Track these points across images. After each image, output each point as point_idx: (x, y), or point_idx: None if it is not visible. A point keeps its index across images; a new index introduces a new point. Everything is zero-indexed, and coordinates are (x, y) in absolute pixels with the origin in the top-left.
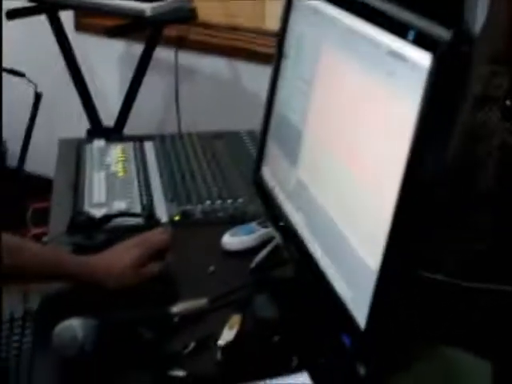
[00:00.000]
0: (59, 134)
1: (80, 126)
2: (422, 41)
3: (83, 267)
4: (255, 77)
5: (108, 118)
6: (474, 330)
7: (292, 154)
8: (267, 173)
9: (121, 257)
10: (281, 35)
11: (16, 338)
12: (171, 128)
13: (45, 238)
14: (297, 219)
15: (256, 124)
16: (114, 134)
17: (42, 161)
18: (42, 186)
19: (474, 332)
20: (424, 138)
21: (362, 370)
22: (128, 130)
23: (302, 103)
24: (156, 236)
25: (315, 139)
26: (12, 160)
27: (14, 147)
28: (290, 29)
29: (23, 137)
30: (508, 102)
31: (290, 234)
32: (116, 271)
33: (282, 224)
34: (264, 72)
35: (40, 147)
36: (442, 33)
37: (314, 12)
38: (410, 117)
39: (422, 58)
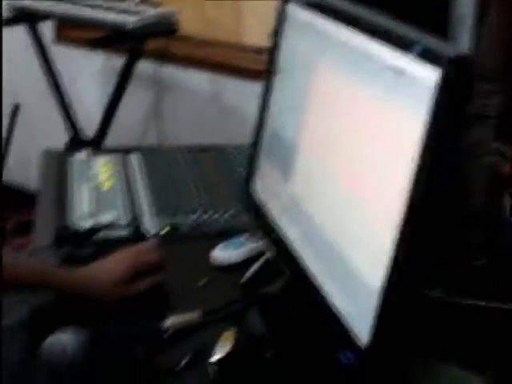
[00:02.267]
0: (38, 145)
1: (60, 137)
2: (427, 56)
3: (71, 278)
4: (237, 92)
5: (88, 129)
6: (469, 346)
7: (285, 168)
8: (258, 187)
9: (111, 269)
10: (273, 49)
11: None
12: (152, 141)
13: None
14: (290, 233)
15: (239, 139)
16: (94, 145)
17: (20, 172)
18: (19, 197)
19: (469, 348)
20: (430, 153)
21: None
22: (108, 142)
23: (295, 118)
24: (148, 250)
25: (310, 154)
26: None
27: None
28: (283, 43)
29: (2, 147)
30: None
31: (283, 248)
32: (105, 284)
33: (274, 238)
34: (245, 87)
35: (18, 158)
36: (446, 48)
37: (308, 26)
38: (412, 132)
39: (426, 73)
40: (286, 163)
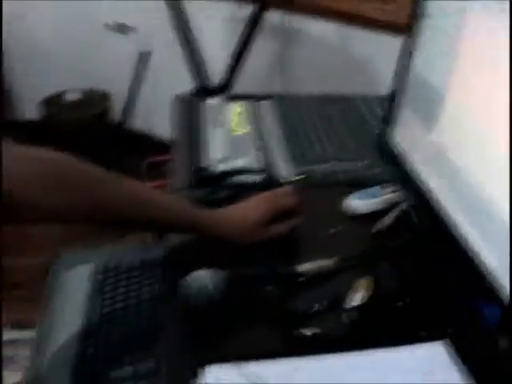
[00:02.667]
0: (165, 93)
1: (184, 84)
2: None
3: (210, 220)
4: (363, 43)
5: (214, 78)
6: None
7: (431, 117)
8: (397, 136)
9: (249, 212)
10: None
11: (134, 287)
12: (276, 90)
13: None
14: (433, 183)
15: (364, 90)
16: (221, 93)
17: (146, 118)
18: (144, 143)
19: None
20: None
21: (504, 344)
22: (234, 90)
23: (444, 65)
24: (285, 196)
25: (458, 101)
26: (116, 116)
27: (118, 103)
28: None
29: (127, 93)
30: None
31: (423, 198)
32: (243, 226)
33: (413, 188)
34: (371, 38)
35: (144, 105)
36: None
37: None
38: None
39: None
40: (431, 111)
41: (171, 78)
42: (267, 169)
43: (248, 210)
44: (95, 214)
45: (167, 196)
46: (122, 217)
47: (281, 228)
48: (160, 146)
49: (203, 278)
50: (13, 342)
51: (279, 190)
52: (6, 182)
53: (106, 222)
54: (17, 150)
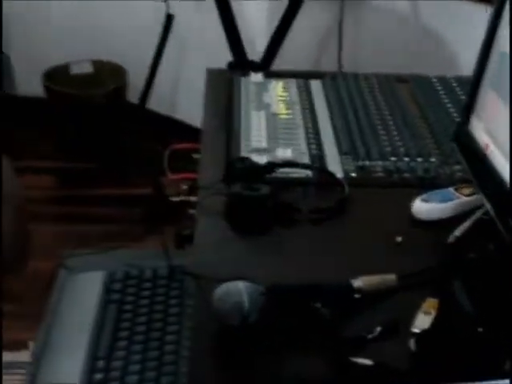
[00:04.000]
0: (191, 67)
1: (218, 59)
2: None
3: None
4: (431, 13)
5: (252, 52)
6: None
7: None
8: (478, 127)
9: None
10: None
11: (160, 298)
12: (329, 68)
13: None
14: None
15: (437, 69)
16: (260, 69)
17: (169, 97)
18: (167, 127)
19: None
20: None
21: None
22: (276, 66)
23: None
24: None
25: None
26: (133, 96)
27: (136, 81)
28: None
29: (148, 69)
30: None
31: (508, 202)
32: None
33: (495, 189)
34: (441, 6)
35: (167, 82)
36: None
37: None
38: None
39: None
40: None
41: (201, 50)
42: (317, 162)
43: None
44: None
45: None
46: None
47: None
48: (186, 132)
49: (237, 292)
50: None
51: None
52: None
53: None
54: None
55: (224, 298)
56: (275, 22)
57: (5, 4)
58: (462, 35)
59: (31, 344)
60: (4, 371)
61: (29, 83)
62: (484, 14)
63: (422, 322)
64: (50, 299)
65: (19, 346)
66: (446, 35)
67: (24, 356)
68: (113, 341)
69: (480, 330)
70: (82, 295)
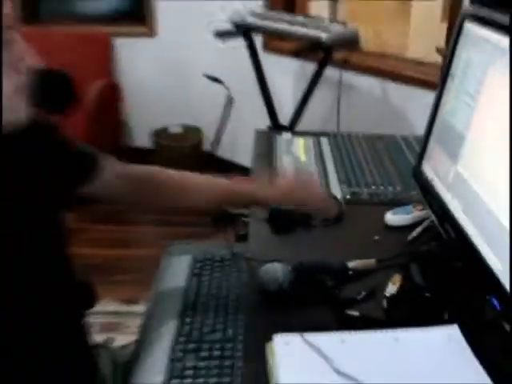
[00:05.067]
0: (245, 128)
1: (261, 122)
2: None
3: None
4: (401, 95)
5: (284, 118)
6: None
7: (453, 152)
8: (427, 167)
9: (282, 183)
10: (449, 57)
11: (226, 273)
12: (332, 129)
13: None
14: (454, 205)
15: (403, 131)
16: (289, 130)
17: (230, 148)
18: (229, 168)
19: None
20: None
21: (507, 327)
22: (298, 127)
23: (466, 113)
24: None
25: (477, 140)
26: (207, 146)
27: (209, 136)
28: (458, 53)
29: (216, 129)
30: None
31: (445, 215)
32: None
33: (437, 207)
34: (408, 91)
35: (229, 138)
36: None
37: (484, 40)
38: None
39: None
40: (454, 148)
41: (250, 118)
42: (325, 188)
43: (281, 182)
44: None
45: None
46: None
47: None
48: (241, 170)
49: (275, 269)
50: (121, 313)
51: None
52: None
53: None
54: (116, 165)
55: (267, 273)
56: (298, 96)
57: (122, 78)
58: (417, 109)
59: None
60: (124, 317)
61: (143, 138)
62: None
63: (391, 289)
64: (156, 273)
65: (133, 301)
66: (406, 109)
67: (136, 308)
68: (195, 299)
69: (427, 295)
70: (177, 271)
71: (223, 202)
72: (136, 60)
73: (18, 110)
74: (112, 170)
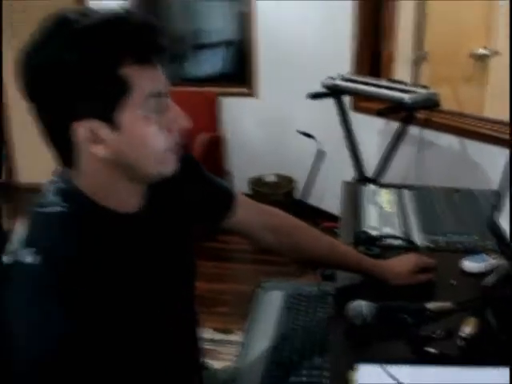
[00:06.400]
0: (334, 179)
1: (347, 174)
2: None
3: (376, 266)
4: (479, 152)
5: (369, 170)
6: None
7: None
8: (502, 218)
9: (403, 264)
10: None
11: (314, 308)
12: (412, 182)
13: None
14: None
15: (481, 185)
16: (374, 181)
17: (320, 196)
18: (318, 215)
19: None
20: None
21: None
22: (383, 179)
23: None
24: (426, 257)
25: None
26: (298, 194)
27: (300, 185)
28: None
29: (307, 178)
30: None
31: None
32: (399, 272)
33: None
34: (485, 148)
35: (318, 187)
36: None
37: None
38: None
39: None
40: None
41: (338, 169)
42: (406, 237)
43: (402, 262)
44: (298, 256)
45: (349, 249)
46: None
47: (423, 277)
48: (330, 217)
49: (360, 306)
50: (216, 341)
51: (420, 254)
52: (235, 222)
53: (306, 262)
54: (246, 202)
55: (353, 309)
56: (382, 151)
57: (226, 132)
58: (493, 165)
59: (236, 330)
60: (219, 345)
61: (241, 185)
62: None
63: (467, 330)
64: (250, 306)
65: (229, 331)
66: (482, 165)
67: (231, 337)
68: (286, 330)
69: (503, 337)
70: (270, 304)
71: (342, 265)
72: (238, 116)
73: (168, 164)
74: (248, 206)
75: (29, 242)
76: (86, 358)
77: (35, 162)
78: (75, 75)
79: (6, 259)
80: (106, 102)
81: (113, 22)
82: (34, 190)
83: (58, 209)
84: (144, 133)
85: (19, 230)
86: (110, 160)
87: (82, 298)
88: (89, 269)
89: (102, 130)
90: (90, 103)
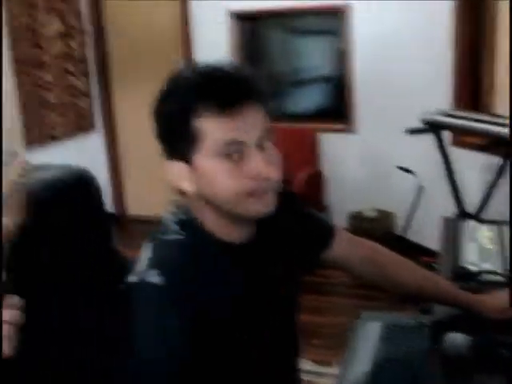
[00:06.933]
0: (433, 214)
1: (447, 209)
2: None
3: (473, 301)
4: None
5: (470, 205)
6: None
7: None
8: None
9: (499, 299)
10: None
11: (411, 339)
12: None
13: None
14: None
15: None
16: (475, 217)
17: (419, 232)
18: (417, 250)
19: None
20: None
21: None
22: (485, 215)
23: None
24: None
25: None
26: (398, 229)
27: (400, 220)
28: None
29: (407, 214)
30: None
31: None
32: (495, 307)
33: None
34: None
35: (418, 223)
36: None
37: None
38: None
39: None
40: None
41: (438, 205)
42: (507, 273)
43: (498, 298)
44: (396, 288)
45: (446, 282)
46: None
47: None
48: (429, 252)
49: (457, 339)
50: (312, 372)
51: None
52: (334, 255)
53: (405, 294)
54: (346, 235)
55: (450, 341)
56: (483, 186)
57: (325, 167)
58: None
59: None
60: (316, 377)
61: (340, 220)
62: None
63: None
64: (349, 336)
65: (325, 363)
66: None
67: (328, 370)
68: (384, 362)
69: None
70: (368, 337)
71: (439, 298)
72: (337, 152)
73: (250, 206)
74: (347, 240)
75: (153, 265)
76: (195, 371)
77: (143, 196)
78: (161, 122)
79: (133, 278)
80: (184, 147)
81: (194, 79)
82: (142, 221)
83: (177, 237)
84: (212, 175)
85: (143, 253)
86: (199, 195)
87: (196, 316)
88: (202, 292)
89: (186, 168)
90: (174, 146)
